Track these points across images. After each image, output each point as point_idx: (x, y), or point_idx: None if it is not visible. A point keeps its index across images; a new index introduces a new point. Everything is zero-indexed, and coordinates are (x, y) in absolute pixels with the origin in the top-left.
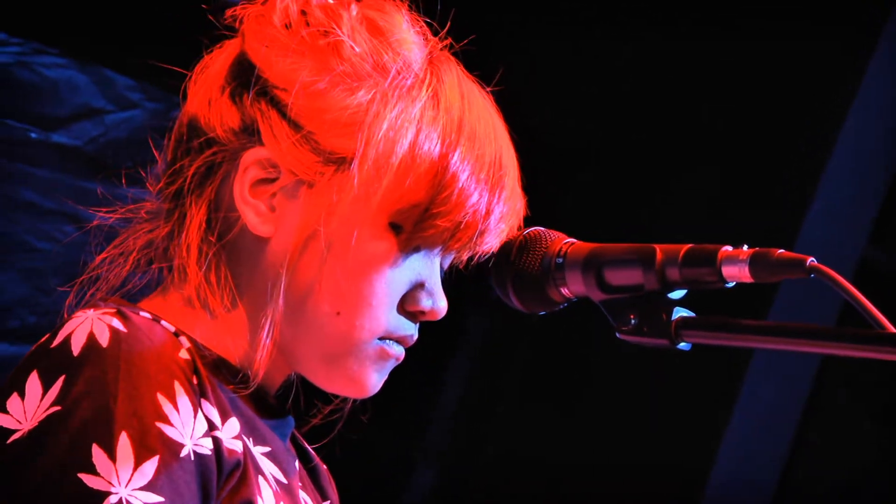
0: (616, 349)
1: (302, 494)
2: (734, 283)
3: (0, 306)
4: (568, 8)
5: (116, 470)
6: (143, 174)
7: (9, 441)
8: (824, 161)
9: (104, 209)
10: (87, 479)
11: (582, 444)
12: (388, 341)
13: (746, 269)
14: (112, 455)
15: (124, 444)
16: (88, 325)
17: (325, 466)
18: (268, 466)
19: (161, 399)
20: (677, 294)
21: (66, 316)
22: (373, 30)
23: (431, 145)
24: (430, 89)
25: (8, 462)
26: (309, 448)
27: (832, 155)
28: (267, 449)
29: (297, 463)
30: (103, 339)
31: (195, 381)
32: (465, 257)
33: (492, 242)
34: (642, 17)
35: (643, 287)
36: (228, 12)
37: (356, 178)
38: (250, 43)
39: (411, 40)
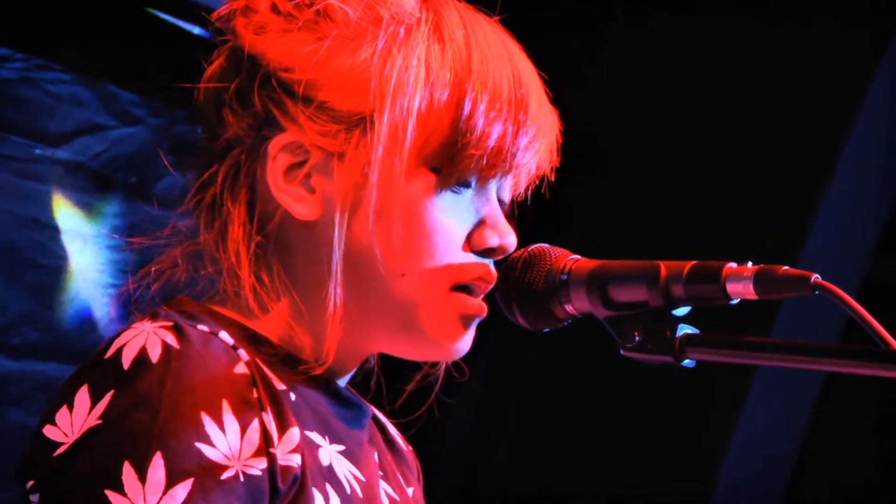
0: (623, 357)
1: (383, 486)
2: (738, 299)
3: (3, 322)
4: (568, 9)
5: (144, 492)
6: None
7: (55, 454)
8: (829, 176)
9: (138, 237)
10: (112, 497)
11: (588, 454)
12: (463, 293)
13: (751, 286)
14: (143, 475)
15: (157, 464)
16: (142, 339)
17: (409, 448)
18: (343, 467)
19: (205, 419)
20: (681, 311)
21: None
22: None
23: (444, 78)
24: (429, 26)
25: (52, 474)
26: (393, 432)
27: (837, 170)
28: (342, 447)
29: (376, 454)
30: (154, 355)
31: (254, 396)
32: (521, 187)
33: (530, 163)
34: (642, 31)
35: (647, 304)
36: (214, 15)
37: (383, 129)
38: (242, 36)
39: None
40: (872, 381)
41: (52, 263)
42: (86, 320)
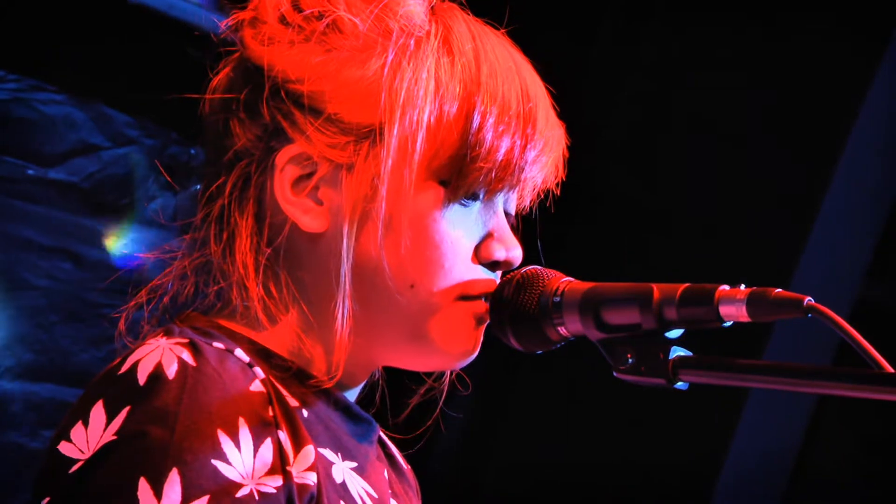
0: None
1: (393, 503)
2: (731, 322)
3: None
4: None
5: None
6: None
7: (70, 470)
8: (821, 199)
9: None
10: None
11: (591, 443)
12: (471, 301)
13: (744, 308)
14: (159, 491)
15: (173, 480)
16: (157, 355)
17: (408, 466)
18: (356, 483)
19: (221, 436)
20: (674, 333)
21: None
22: None
23: (454, 91)
24: (439, 38)
25: (66, 492)
26: (394, 451)
27: (828, 193)
28: (354, 464)
29: (386, 471)
30: (170, 372)
31: (269, 414)
32: (525, 201)
33: (537, 177)
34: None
35: (640, 326)
36: (223, 24)
37: (393, 141)
38: (250, 47)
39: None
40: (864, 403)
41: (46, 284)
42: (80, 341)
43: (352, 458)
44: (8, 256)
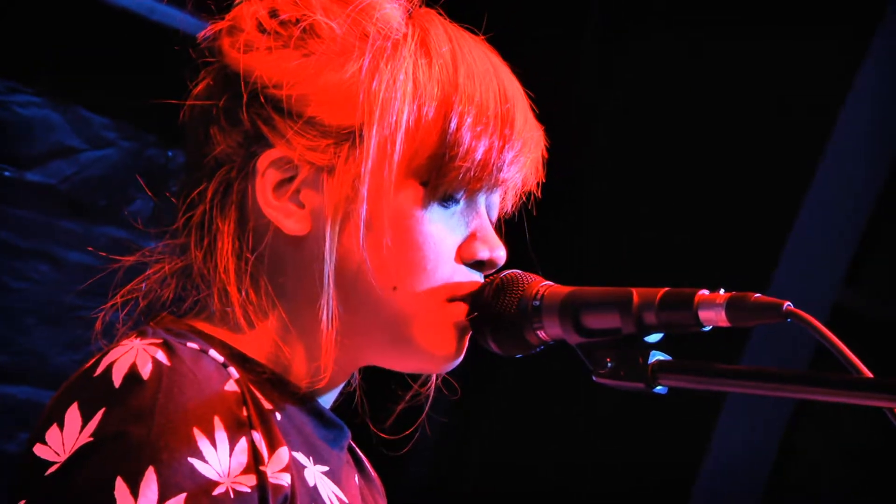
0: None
1: None
2: (711, 326)
3: None
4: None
5: None
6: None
7: (46, 473)
8: (799, 204)
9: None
10: None
11: (572, 443)
12: (455, 303)
13: (723, 312)
14: (135, 490)
15: (150, 479)
16: (132, 356)
17: (376, 475)
18: (327, 488)
19: (197, 434)
20: (654, 338)
21: (98, 342)
22: (344, 3)
23: (432, 92)
24: (416, 41)
25: (44, 493)
26: (364, 459)
27: (807, 199)
28: (326, 468)
29: (356, 477)
30: (145, 372)
31: (244, 414)
32: (508, 204)
33: (516, 177)
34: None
35: (620, 331)
36: (200, 35)
37: (372, 142)
38: (229, 54)
39: (385, 1)
40: (840, 408)
41: (23, 286)
42: (57, 343)
43: (324, 462)
44: None
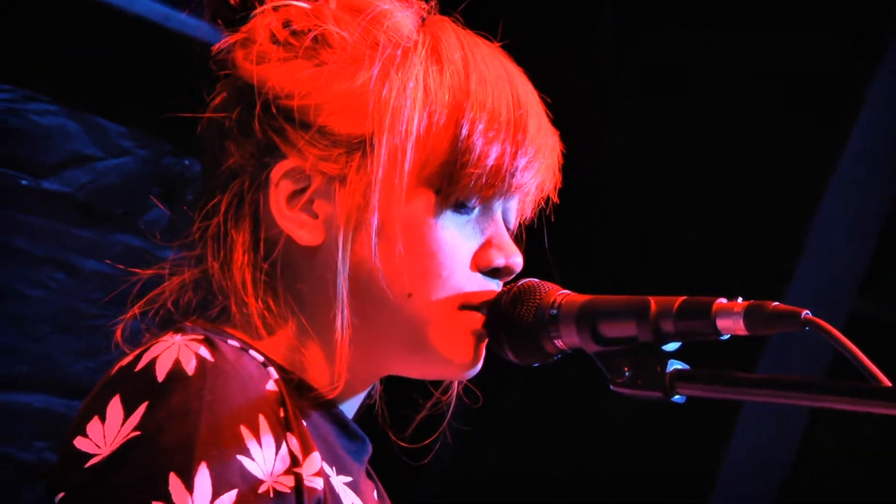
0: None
1: None
2: (728, 335)
3: None
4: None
5: (193, 501)
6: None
7: (87, 465)
8: (815, 212)
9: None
10: None
11: (588, 447)
12: (472, 311)
13: (741, 321)
14: (189, 485)
15: (203, 475)
16: (175, 352)
17: (385, 494)
18: (349, 498)
19: (244, 432)
20: (671, 346)
21: (120, 344)
22: (356, 12)
23: (443, 99)
24: (427, 48)
25: (85, 485)
26: (377, 481)
27: (822, 207)
28: (349, 479)
29: (374, 492)
30: (189, 368)
31: (282, 414)
32: (527, 210)
33: (530, 183)
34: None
35: (637, 339)
36: (215, 47)
37: (383, 151)
38: (242, 67)
39: (397, 10)
40: (857, 416)
41: (38, 294)
42: (72, 351)
43: (346, 473)
44: (1, 266)
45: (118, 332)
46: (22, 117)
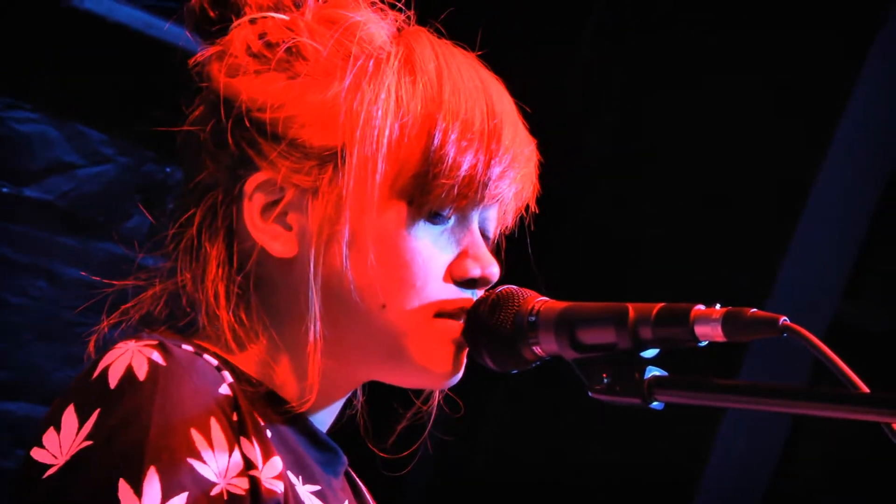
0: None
1: None
2: (707, 342)
3: None
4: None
5: None
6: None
7: (44, 476)
8: (798, 217)
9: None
10: None
11: (574, 444)
12: (446, 319)
13: (719, 328)
14: (138, 490)
15: (152, 479)
16: (127, 358)
17: (374, 501)
18: None
19: (195, 435)
20: (650, 353)
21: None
22: (330, 23)
23: (415, 110)
24: (399, 59)
25: (41, 498)
26: (362, 486)
27: (805, 212)
28: (316, 487)
29: (347, 502)
30: (141, 373)
31: (235, 418)
32: (507, 220)
33: (506, 192)
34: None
35: (616, 346)
36: (191, 61)
37: (353, 162)
38: (217, 79)
39: (372, 21)
40: (838, 423)
41: (20, 302)
42: (55, 359)
43: (314, 482)
44: None
45: (91, 344)
46: (3, 125)
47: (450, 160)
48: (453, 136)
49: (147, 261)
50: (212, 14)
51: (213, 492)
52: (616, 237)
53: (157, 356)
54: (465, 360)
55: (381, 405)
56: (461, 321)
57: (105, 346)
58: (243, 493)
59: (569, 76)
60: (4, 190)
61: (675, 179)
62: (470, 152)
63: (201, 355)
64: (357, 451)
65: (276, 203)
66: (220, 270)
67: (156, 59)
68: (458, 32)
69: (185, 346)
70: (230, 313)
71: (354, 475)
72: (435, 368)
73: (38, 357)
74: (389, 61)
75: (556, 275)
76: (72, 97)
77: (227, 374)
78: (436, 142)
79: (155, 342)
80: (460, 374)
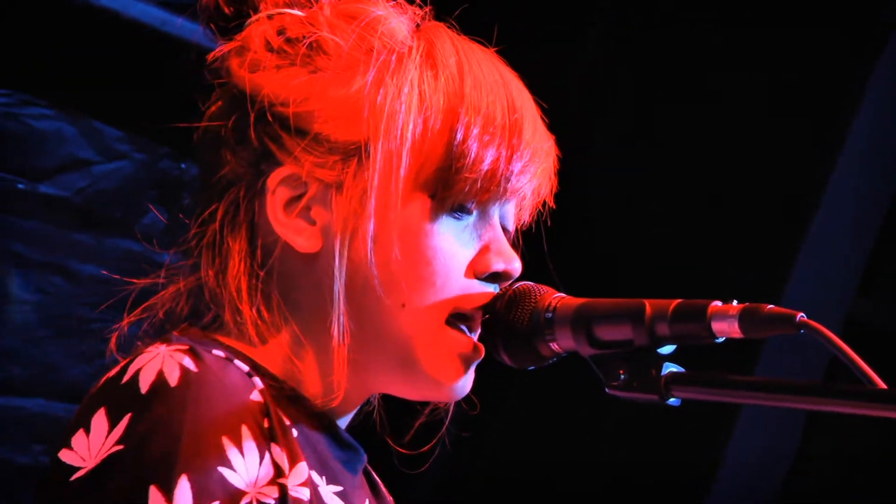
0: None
1: None
2: (724, 338)
3: None
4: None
5: None
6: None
7: (72, 478)
8: (812, 215)
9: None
10: None
11: (589, 442)
12: (461, 325)
13: (736, 324)
14: (170, 498)
15: (184, 487)
16: (159, 363)
17: (391, 499)
18: None
19: (226, 443)
20: (667, 349)
21: (112, 353)
22: (350, 18)
23: (438, 104)
24: (421, 54)
25: (69, 500)
26: (380, 482)
27: (819, 210)
28: (339, 488)
29: (368, 501)
30: (172, 378)
31: (266, 425)
32: (525, 215)
33: (526, 187)
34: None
35: (633, 342)
36: (210, 56)
37: (378, 157)
38: (237, 75)
39: (392, 16)
40: (854, 419)
41: (35, 299)
42: (70, 356)
43: (336, 483)
44: None
45: (112, 341)
46: (19, 122)
47: (473, 154)
48: (476, 131)
49: (163, 257)
50: (227, 10)
51: (244, 500)
52: (629, 234)
53: (188, 362)
54: (472, 375)
55: (397, 402)
56: (471, 336)
57: (126, 344)
58: (273, 501)
59: (575, 75)
60: (20, 186)
61: (689, 176)
62: (492, 147)
63: (232, 360)
64: (371, 448)
65: (299, 198)
66: (243, 265)
67: (171, 55)
68: (464, 31)
69: (215, 352)
70: (253, 308)
71: (372, 472)
72: (443, 379)
73: (53, 354)
74: (412, 56)
75: (562, 273)
76: (87, 93)
77: (257, 381)
78: (459, 136)
79: (186, 346)
80: (468, 389)
